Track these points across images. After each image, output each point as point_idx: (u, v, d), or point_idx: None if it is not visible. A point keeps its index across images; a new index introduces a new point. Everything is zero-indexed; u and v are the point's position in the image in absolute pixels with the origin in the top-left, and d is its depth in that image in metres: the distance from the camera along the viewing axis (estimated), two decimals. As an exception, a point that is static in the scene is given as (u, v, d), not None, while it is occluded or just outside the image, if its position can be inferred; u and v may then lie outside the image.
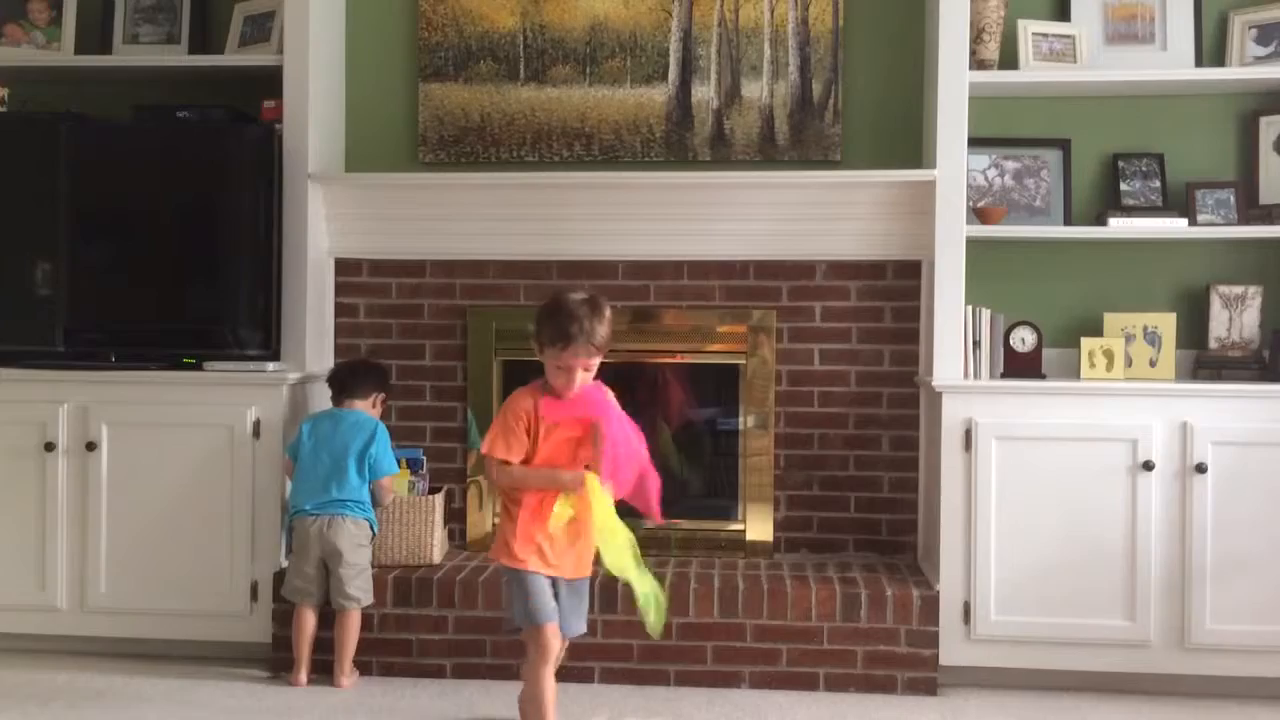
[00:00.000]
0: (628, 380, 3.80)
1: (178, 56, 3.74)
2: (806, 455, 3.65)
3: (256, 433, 3.44)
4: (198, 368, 3.52)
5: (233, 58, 3.70)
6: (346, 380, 3.42)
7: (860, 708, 3.11)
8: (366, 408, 3.41)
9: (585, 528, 2.69)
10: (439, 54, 3.78)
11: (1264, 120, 3.51)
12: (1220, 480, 3.18)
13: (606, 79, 3.74)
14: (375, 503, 3.37)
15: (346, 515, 3.27)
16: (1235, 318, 3.49)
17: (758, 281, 3.64)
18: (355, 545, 3.27)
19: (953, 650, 3.24)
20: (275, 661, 3.35)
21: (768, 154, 3.69)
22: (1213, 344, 3.50)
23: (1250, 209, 3.46)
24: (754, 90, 3.69)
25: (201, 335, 3.55)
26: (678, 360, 3.71)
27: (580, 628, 2.86)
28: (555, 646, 2.73)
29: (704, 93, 3.71)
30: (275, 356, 3.55)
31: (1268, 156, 3.50)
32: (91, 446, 3.47)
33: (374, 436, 3.32)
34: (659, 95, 3.72)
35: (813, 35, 3.66)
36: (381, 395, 3.49)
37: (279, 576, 3.37)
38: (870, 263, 3.60)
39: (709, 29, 3.70)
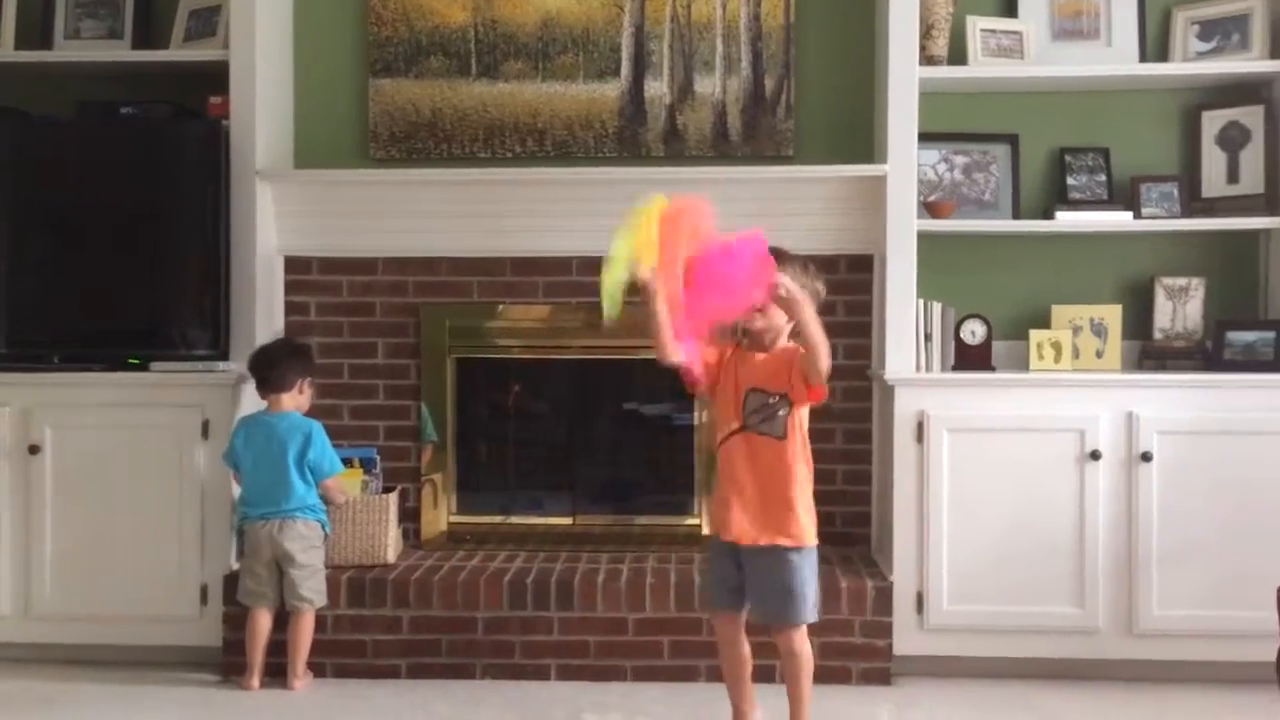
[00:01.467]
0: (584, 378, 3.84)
1: (121, 52, 3.67)
2: None
3: (205, 433, 3.39)
4: (144, 368, 3.46)
5: (177, 53, 3.65)
6: (266, 375, 3.31)
7: (815, 699, 3.09)
8: (294, 398, 3.33)
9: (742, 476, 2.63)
10: (389, 49, 3.75)
11: (1206, 115, 3.57)
12: (1165, 469, 3.23)
13: (559, 74, 3.72)
14: (328, 503, 3.33)
15: (297, 518, 3.24)
16: (1179, 309, 3.56)
17: (711, 277, 3.64)
18: (307, 547, 3.24)
19: (906, 640, 3.27)
20: (226, 665, 3.31)
21: (721, 149, 3.70)
22: (1157, 335, 3.56)
23: (1193, 202, 3.53)
24: (707, 86, 3.70)
25: (147, 335, 3.49)
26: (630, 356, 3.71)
27: (770, 616, 2.65)
28: (723, 635, 2.71)
29: (657, 88, 3.71)
30: (224, 356, 3.50)
31: (1210, 151, 3.56)
32: (35, 450, 3.40)
33: (309, 440, 3.26)
34: (612, 91, 3.72)
35: (764, 30, 3.68)
36: (307, 379, 3.38)
37: (229, 579, 3.33)
38: (823, 257, 3.57)
39: (661, 24, 3.70)
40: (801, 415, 2.65)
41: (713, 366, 2.67)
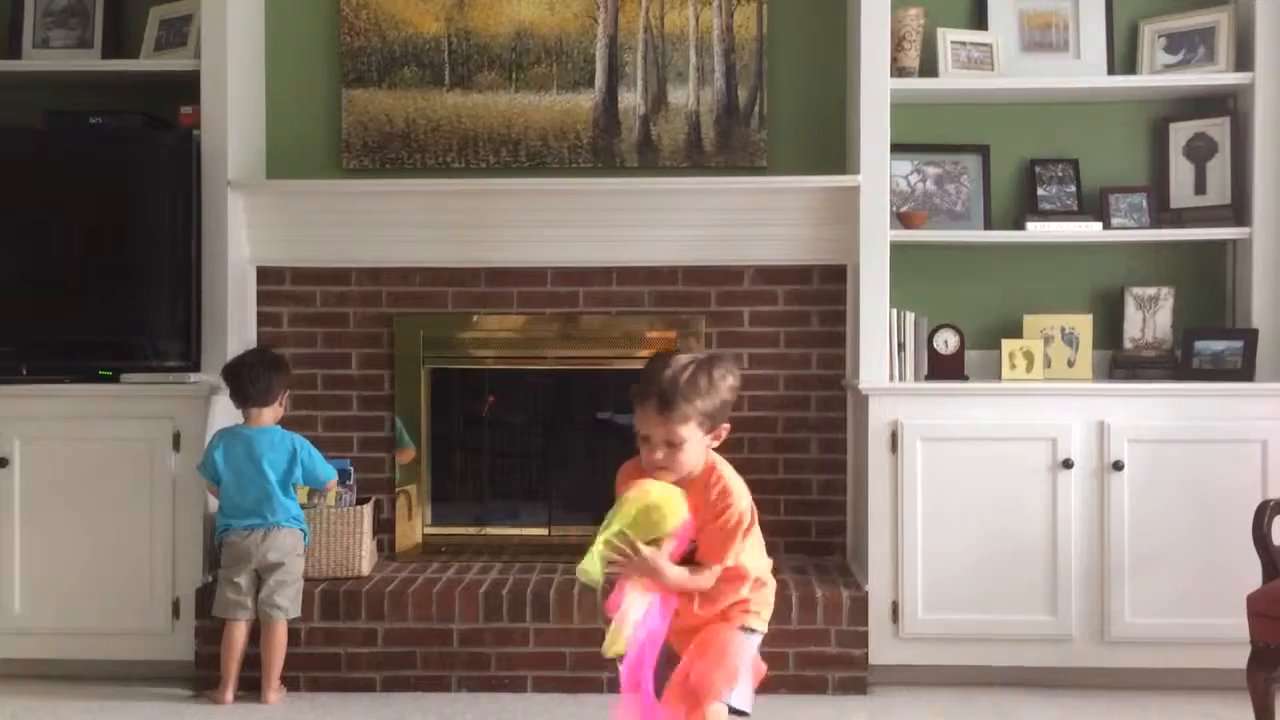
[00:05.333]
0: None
1: (91, 61, 3.64)
2: (736, 459, 3.62)
3: (177, 445, 3.36)
4: (114, 380, 3.43)
5: (148, 62, 3.62)
6: (249, 390, 3.27)
7: (791, 709, 3.13)
8: (274, 412, 3.32)
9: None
10: (362, 59, 3.74)
11: (1174, 126, 3.61)
12: (1136, 477, 3.26)
13: (533, 85, 3.72)
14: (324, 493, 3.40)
15: (283, 526, 3.23)
16: (1149, 318, 3.59)
17: (686, 287, 3.65)
18: (293, 556, 3.24)
19: (882, 649, 3.27)
20: (198, 680, 3.28)
21: (695, 160, 3.71)
22: (1127, 344, 3.59)
23: (1161, 213, 3.57)
24: (680, 97, 3.71)
25: (118, 347, 3.46)
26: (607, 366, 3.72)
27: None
28: None
29: (631, 99, 3.71)
30: (195, 367, 3.47)
31: (1178, 161, 3.60)
32: (3, 462, 3.36)
33: (296, 457, 3.26)
34: (585, 101, 3.72)
35: (737, 42, 3.69)
36: (287, 390, 3.37)
37: (201, 593, 3.30)
38: (797, 267, 3.64)
39: (634, 35, 3.71)
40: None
41: None
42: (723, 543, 2.23)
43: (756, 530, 2.34)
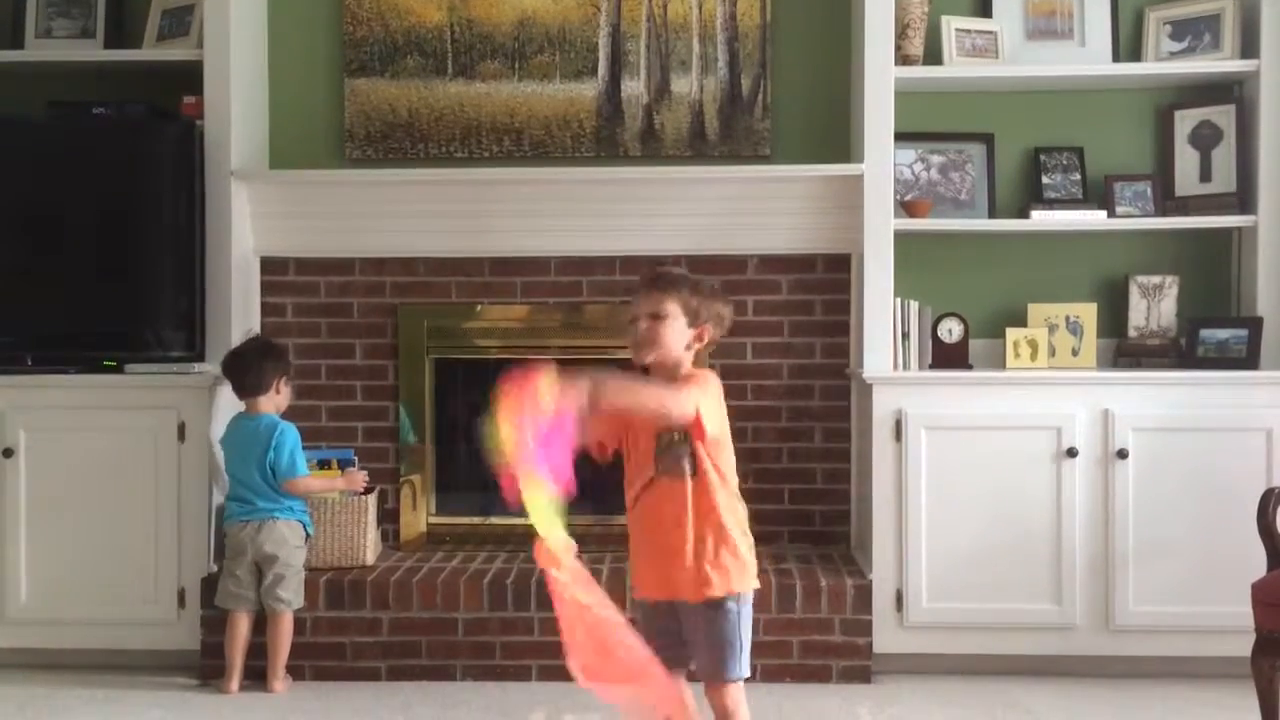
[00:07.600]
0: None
1: (93, 51, 3.64)
2: (740, 448, 3.59)
3: (181, 436, 3.37)
4: (119, 370, 3.43)
5: (151, 52, 3.62)
6: (240, 380, 3.29)
7: (796, 698, 3.13)
8: (271, 399, 3.31)
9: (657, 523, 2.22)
10: (365, 48, 3.73)
11: (1179, 114, 3.60)
12: (1140, 466, 3.26)
13: (536, 74, 3.72)
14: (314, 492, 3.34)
15: (278, 518, 3.23)
16: (1153, 307, 3.59)
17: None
18: (290, 548, 3.23)
19: (886, 638, 3.28)
20: (204, 669, 3.29)
21: (698, 149, 3.70)
22: (1132, 333, 3.59)
23: (1166, 201, 3.56)
24: (683, 85, 3.70)
25: (122, 337, 3.47)
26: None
27: (707, 672, 2.25)
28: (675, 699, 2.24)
29: (634, 88, 3.71)
30: (200, 358, 3.48)
31: (1183, 149, 3.59)
32: (9, 453, 3.37)
33: (270, 443, 3.24)
34: (589, 90, 3.71)
35: (741, 30, 3.68)
36: (283, 378, 3.35)
37: (206, 582, 3.31)
38: (801, 256, 3.63)
39: (638, 24, 3.70)
40: (717, 451, 2.29)
41: (614, 423, 2.27)
42: (678, 390, 2.18)
43: (730, 456, 2.35)
